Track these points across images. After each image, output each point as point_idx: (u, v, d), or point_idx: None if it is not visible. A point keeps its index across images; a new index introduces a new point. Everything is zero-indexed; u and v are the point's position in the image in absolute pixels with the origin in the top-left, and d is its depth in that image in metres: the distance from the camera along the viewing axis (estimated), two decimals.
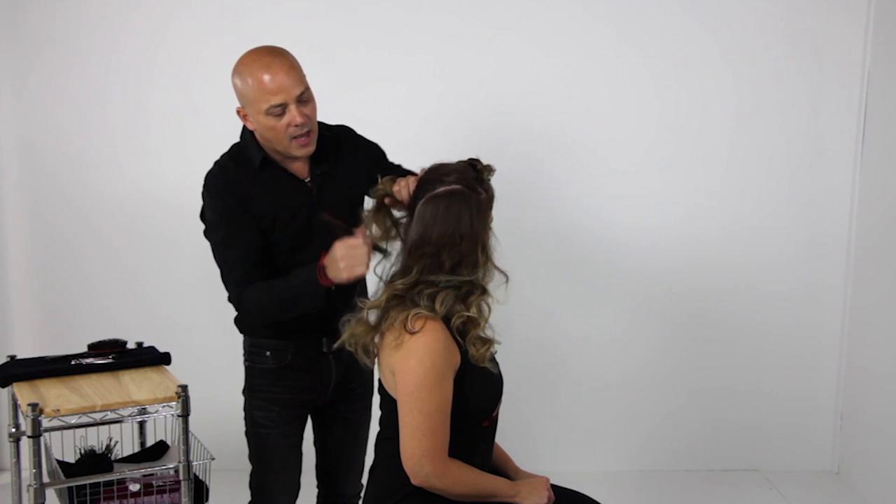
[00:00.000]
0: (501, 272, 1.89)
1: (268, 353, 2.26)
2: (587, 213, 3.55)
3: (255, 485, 2.39)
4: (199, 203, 3.50)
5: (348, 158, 2.25)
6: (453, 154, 1.96)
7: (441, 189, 1.83)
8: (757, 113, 3.51)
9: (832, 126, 3.51)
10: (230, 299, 2.18)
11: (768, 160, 3.53)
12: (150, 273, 3.57)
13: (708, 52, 3.47)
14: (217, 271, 3.54)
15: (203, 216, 2.24)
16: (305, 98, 2.08)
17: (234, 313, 2.39)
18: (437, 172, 1.88)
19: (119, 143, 3.51)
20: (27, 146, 3.54)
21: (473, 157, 1.92)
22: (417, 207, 1.85)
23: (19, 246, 3.59)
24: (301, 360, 2.25)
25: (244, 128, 2.22)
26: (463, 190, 1.83)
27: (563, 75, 3.48)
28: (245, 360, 2.33)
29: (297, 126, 2.07)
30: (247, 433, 2.36)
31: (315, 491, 2.54)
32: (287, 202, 2.18)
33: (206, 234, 2.23)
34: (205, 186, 2.21)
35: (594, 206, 3.55)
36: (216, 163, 2.24)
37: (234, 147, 2.25)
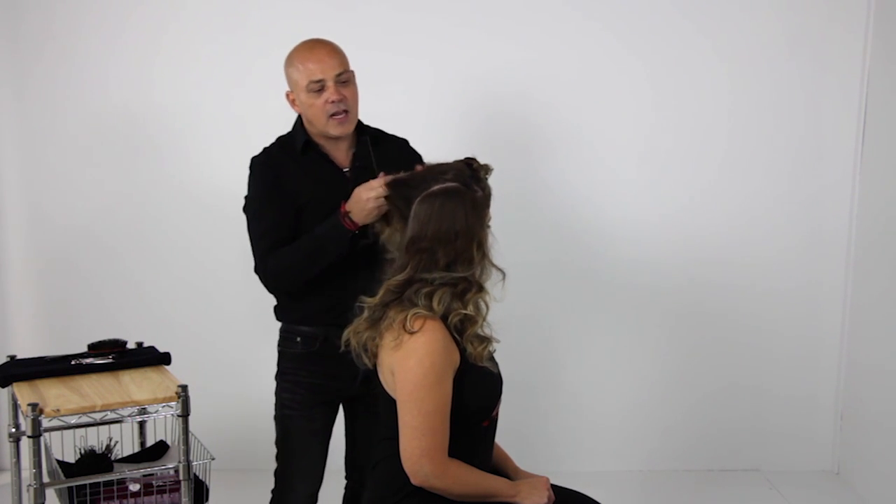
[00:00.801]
0: (498, 269, 1.90)
1: (298, 339, 2.34)
2: (586, 212, 3.55)
3: (278, 471, 2.43)
4: (200, 202, 3.54)
5: (390, 161, 2.27)
6: (451, 154, 1.97)
7: (436, 187, 1.84)
8: (757, 112, 3.51)
9: (832, 126, 3.51)
10: (256, 269, 2.28)
11: (768, 160, 3.53)
12: (150, 273, 3.57)
13: (707, 51, 3.47)
14: (217, 270, 3.57)
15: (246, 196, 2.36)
16: (344, 79, 2.25)
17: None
18: (433, 171, 1.89)
19: (119, 143, 3.51)
20: (27, 146, 3.54)
21: (470, 156, 1.93)
22: (413, 206, 1.86)
23: (19, 246, 3.59)
24: (330, 348, 2.27)
25: (297, 118, 2.36)
26: (458, 187, 1.84)
27: (563, 76, 3.48)
28: (278, 346, 2.41)
29: (333, 103, 2.21)
30: (275, 417, 2.41)
31: (344, 483, 2.56)
32: (324, 187, 2.27)
33: (245, 210, 2.34)
34: (249, 167, 2.34)
35: (593, 205, 3.55)
36: (263, 148, 2.37)
37: (284, 135, 2.39)
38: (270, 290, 2.32)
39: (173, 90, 3.48)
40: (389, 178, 2.00)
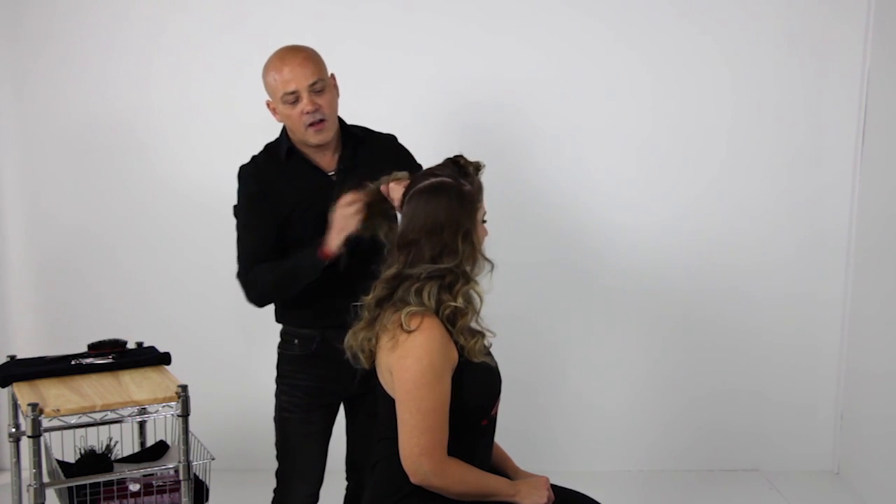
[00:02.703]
0: (487, 260, 1.89)
1: (296, 342, 2.36)
2: (586, 212, 3.55)
3: (278, 471, 2.44)
4: (200, 202, 3.55)
5: (377, 160, 2.29)
6: (448, 153, 1.97)
7: (423, 183, 1.86)
8: (757, 113, 3.50)
9: (832, 126, 3.51)
10: (238, 276, 2.31)
11: (768, 161, 3.53)
12: (150, 273, 3.57)
13: (707, 51, 3.47)
14: (217, 270, 3.58)
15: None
16: (318, 88, 2.23)
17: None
18: (423, 172, 1.93)
19: (119, 143, 3.51)
20: (27, 145, 3.54)
21: (458, 153, 1.94)
22: (404, 206, 1.89)
23: (19, 246, 3.59)
24: (326, 349, 2.30)
25: (283, 127, 2.36)
26: (444, 181, 1.85)
27: (562, 75, 3.48)
28: (278, 347, 2.42)
29: (308, 113, 2.21)
30: (274, 418, 2.43)
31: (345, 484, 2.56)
32: (309, 192, 2.28)
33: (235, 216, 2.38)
34: (237, 177, 2.35)
35: (593, 205, 3.55)
36: (252, 157, 2.38)
37: (272, 141, 2.40)
38: (249, 301, 2.31)
39: (173, 89, 3.48)
40: (360, 193, 2.05)
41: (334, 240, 2.11)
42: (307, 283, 2.21)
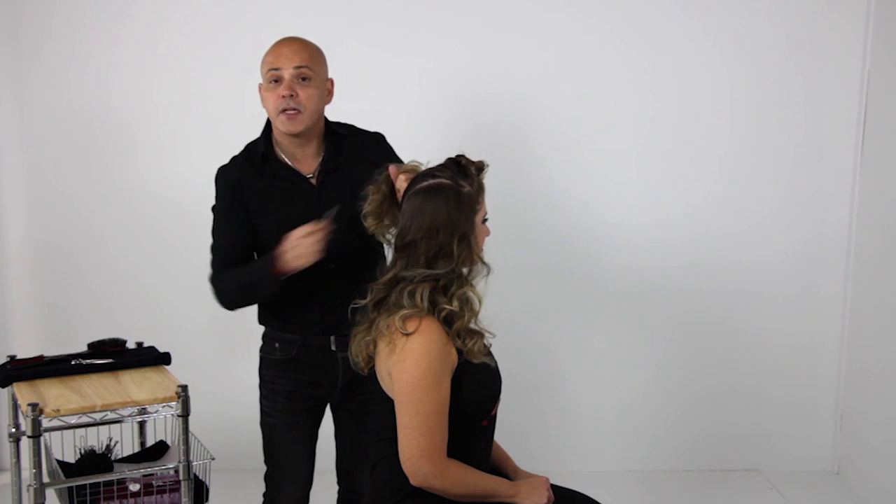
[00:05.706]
0: (484, 263, 1.87)
1: (277, 345, 2.32)
2: (585, 214, 3.55)
3: (266, 475, 2.43)
4: (200, 202, 3.53)
5: (362, 160, 2.22)
6: (447, 153, 1.96)
7: (422, 184, 1.84)
8: (756, 113, 3.50)
9: (832, 126, 3.51)
10: (209, 279, 2.31)
11: (768, 161, 3.53)
12: (150, 273, 3.57)
13: (707, 51, 3.47)
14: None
15: None
16: (304, 75, 2.16)
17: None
18: (423, 172, 1.90)
19: (119, 143, 3.51)
20: (27, 146, 3.54)
21: (461, 153, 1.93)
22: (402, 205, 1.87)
23: (19, 246, 3.59)
24: (307, 355, 2.28)
25: (266, 121, 2.30)
26: (442, 182, 1.83)
27: (561, 74, 3.48)
28: (259, 351, 2.39)
29: (283, 97, 2.14)
30: (260, 422, 2.41)
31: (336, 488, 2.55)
32: (287, 196, 2.23)
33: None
34: (214, 176, 2.33)
35: (593, 207, 3.54)
36: (231, 157, 2.34)
37: (250, 143, 2.34)
38: (220, 305, 2.29)
39: (173, 89, 3.47)
40: (327, 221, 2.07)
41: (291, 264, 2.08)
42: (268, 294, 2.19)
